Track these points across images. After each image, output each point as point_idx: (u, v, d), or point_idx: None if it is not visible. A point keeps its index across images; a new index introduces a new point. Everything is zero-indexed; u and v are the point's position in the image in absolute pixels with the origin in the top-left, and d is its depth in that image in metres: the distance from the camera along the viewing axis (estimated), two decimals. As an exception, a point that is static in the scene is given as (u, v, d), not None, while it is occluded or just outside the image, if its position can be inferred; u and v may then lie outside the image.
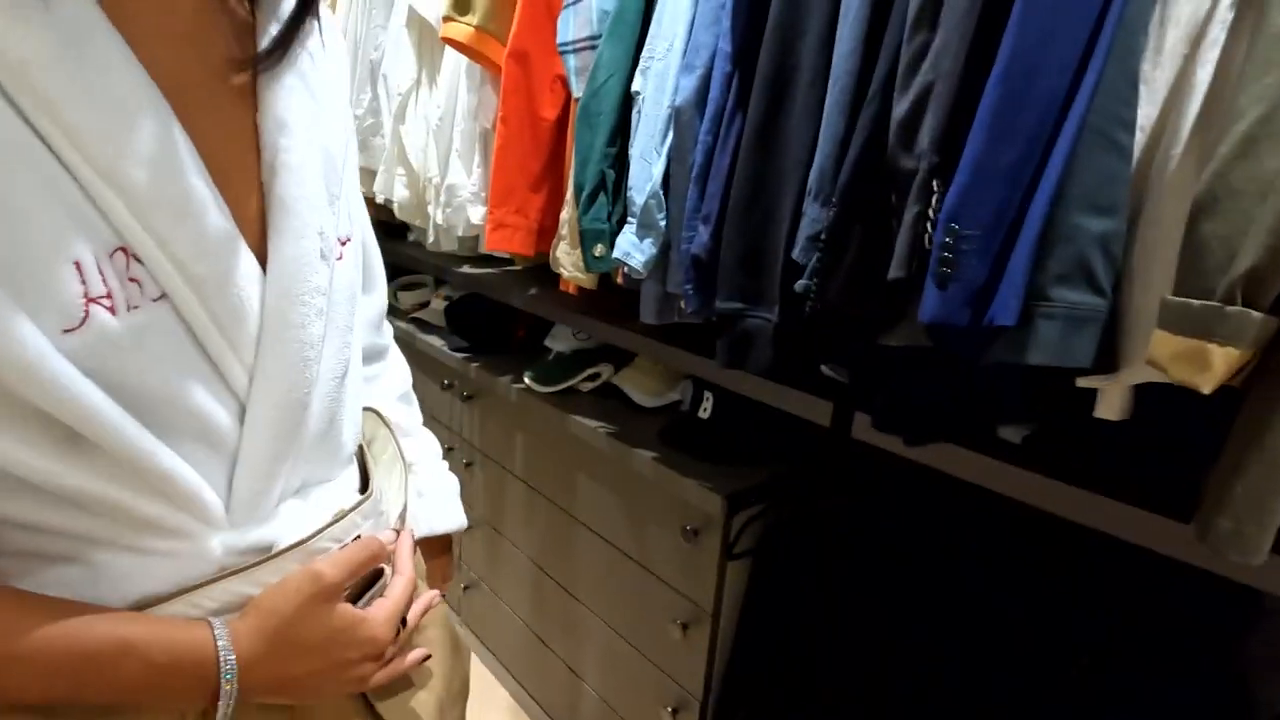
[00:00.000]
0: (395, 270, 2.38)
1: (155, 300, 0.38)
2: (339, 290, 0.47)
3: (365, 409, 0.62)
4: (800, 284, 0.78)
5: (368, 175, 1.87)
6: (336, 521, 0.48)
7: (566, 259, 1.21)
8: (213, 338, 0.40)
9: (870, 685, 0.97)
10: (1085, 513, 0.71)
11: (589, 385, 1.54)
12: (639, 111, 0.98)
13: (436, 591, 0.59)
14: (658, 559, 1.25)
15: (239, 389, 0.42)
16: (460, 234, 1.60)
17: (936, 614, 0.94)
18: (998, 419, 0.81)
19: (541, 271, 1.47)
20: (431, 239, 1.79)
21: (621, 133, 1.02)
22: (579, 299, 1.42)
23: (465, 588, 1.90)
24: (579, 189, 1.02)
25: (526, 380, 1.53)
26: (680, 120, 0.91)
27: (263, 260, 0.43)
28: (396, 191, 1.77)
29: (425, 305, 2.11)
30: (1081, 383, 0.63)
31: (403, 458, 0.61)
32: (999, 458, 0.78)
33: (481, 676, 1.81)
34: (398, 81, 1.72)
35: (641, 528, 1.28)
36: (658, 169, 0.94)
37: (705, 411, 1.29)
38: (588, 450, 1.38)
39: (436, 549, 0.72)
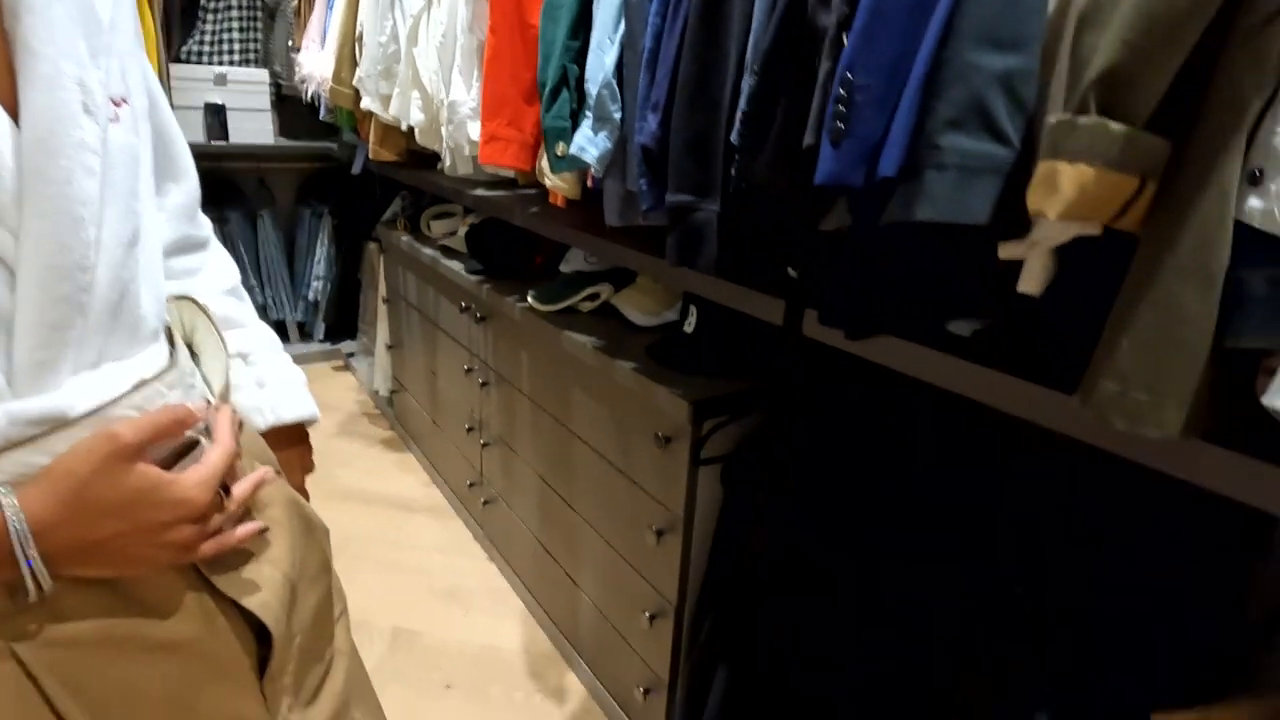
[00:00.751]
0: (427, 199, 2.43)
1: None
2: (116, 153, 0.45)
3: (183, 298, 0.61)
4: (734, 167, 0.75)
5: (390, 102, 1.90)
6: (137, 390, 0.46)
7: (548, 167, 1.20)
8: None
9: (834, 588, 0.95)
10: (1036, 409, 0.65)
11: (589, 305, 1.54)
12: (598, 0, 0.95)
13: (269, 469, 0.58)
14: (638, 468, 1.26)
15: (6, 256, 0.41)
16: (467, 154, 1.61)
17: (900, 514, 0.91)
18: (946, 312, 0.76)
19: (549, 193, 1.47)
20: (448, 163, 1.81)
21: (584, 25, 0.99)
22: (574, 214, 1.41)
23: (484, 503, 1.98)
24: (542, 86, 1.00)
25: (529, 300, 1.55)
26: (631, 3, 0.88)
27: (14, 113, 0.40)
28: (413, 115, 1.80)
29: (454, 234, 2.16)
30: (1003, 253, 0.58)
31: (224, 344, 0.60)
32: (946, 351, 0.73)
33: (500, 588, 1.90)
34: (411, 3, 1.72)
35: (625, 438, 1.29)
36: (610, 57, 0.91)
37: (689, 326, 1.27)
38: (579, 365, 1.39)
39: (289, 439, 0.71)
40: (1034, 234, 0.52)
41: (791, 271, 0.91)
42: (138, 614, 0.48)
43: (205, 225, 0.70)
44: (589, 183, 1.10)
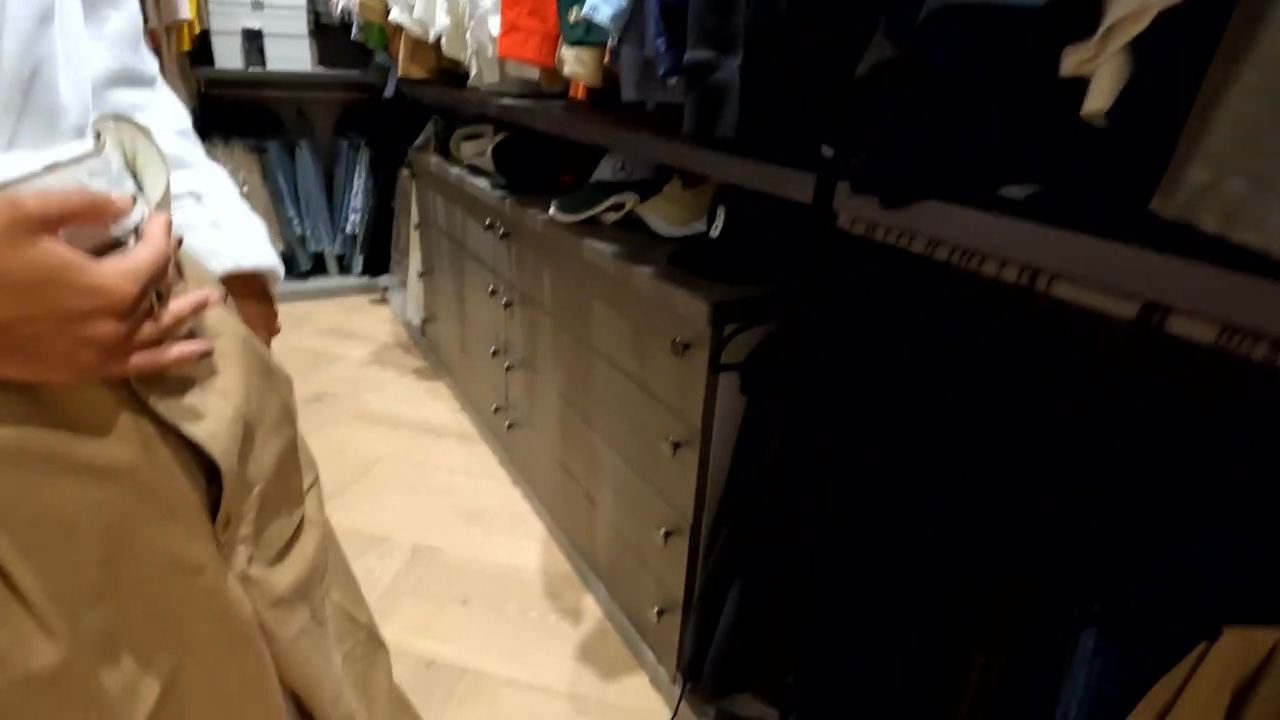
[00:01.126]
0: (455, 118, 2.37)
1: None
2: None
3: (122, 118, 0.55)
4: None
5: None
6: (50, 171, 0.41)
7: (567, 53, 1.11)
8: None
9: (856, 497, 0.88)
10: (1108, 268, 0.55)
11: (613, 216, 1.46)
12: None
13: (216, 292, 0.53)
14: (655, 379, 1.20)
15: None
16: (490, 54, 1.53)
17: (929, 419, 0.82)
18: (997, 176, 0.66)
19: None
20: (474, 71, 1.74)
21: (603, -127, 0.89)
22: (597, 113, 1.33)
23: (509, 426, 1.95)
24: (555, -56, 0.91)
25: (551, 210, 1.48)
26: None
27: None
28: (439, 20, 1.72)
29: (483, 155, 2.09)
30: (1068, 64, 0.48)
31: (165, 163, 0.54)
32: (1000, 213, 0.63)
33: (521, 511, 1.89)
34: (436, -106, 1.63)
35: (643, 349, 1.23)
36: (626, -100, 0.81)
37: (716, 229, 1.18)
38: (599, 275, 1.33)
39: (249, 291, 0.66)
40: (1111, 12, 0.42)
41: (826, 150, 0.81)
42: (62, 428, 0.43)
43: (151, 62, 0.64)
44: (606, 58, 1.01)
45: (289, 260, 3.29)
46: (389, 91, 2.56)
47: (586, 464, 1.53)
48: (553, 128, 1.43)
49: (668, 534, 1.22)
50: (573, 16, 0.91)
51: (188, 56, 2.64)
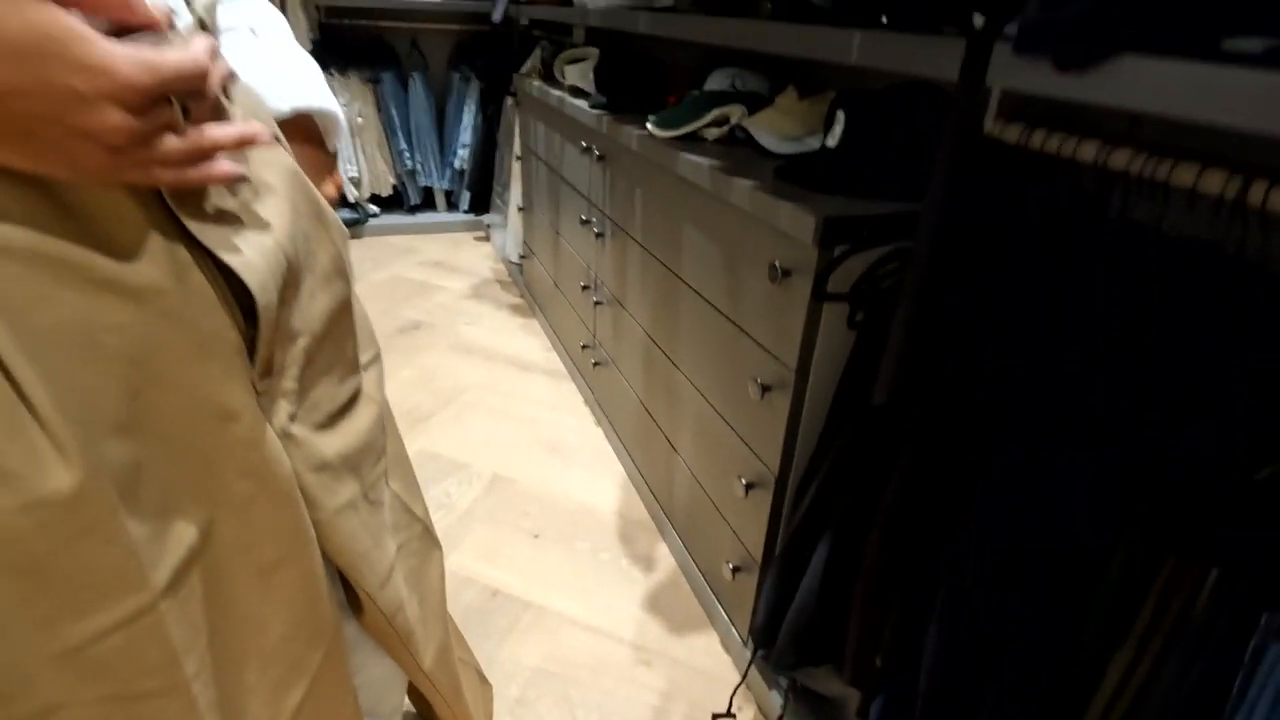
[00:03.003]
0: (561, 47, 2.27)
1: None
2: None
3: None
4: None
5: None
6: None
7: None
8: None
9: (971, 451, 0.72)
10: None
11: (716, 132, 1.31)
12: None
13: (266, 128, 0.47)
14: (748, 312, 1.06)
15: None
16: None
17: (1067, 369, 0.65)
18: (1218, 24, 0.47)
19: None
20: (578, -21, 1.61)
21: None
22: (702, 7, 1.17)
23: (595, 364, 1.88)
24: None
25: (648, 125, 1.35)
26: None
27: None
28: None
29: (586, 78, 1.98)
30: None
31: None
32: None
33: (603, 451, 1.82)
34: None
35: (736, 276, 1.09)
36: None
37: (834, 138, 1.01)
38: (693, 193, 1.19)
39: (305, 136, 0.62)
40: None
41: (978, 19, 0.64)
42: (83, 237, 0.38)
43: None
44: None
45: (399, 194, 3.36)
46: (497, 15, 2.48)
47: (668, 406, 1.43)
48: (656, 29, 1.29)
49: (749, 486, 1.10)
50: None
51: (309, -17, 2.68)
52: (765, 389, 1.02)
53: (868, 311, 0.88)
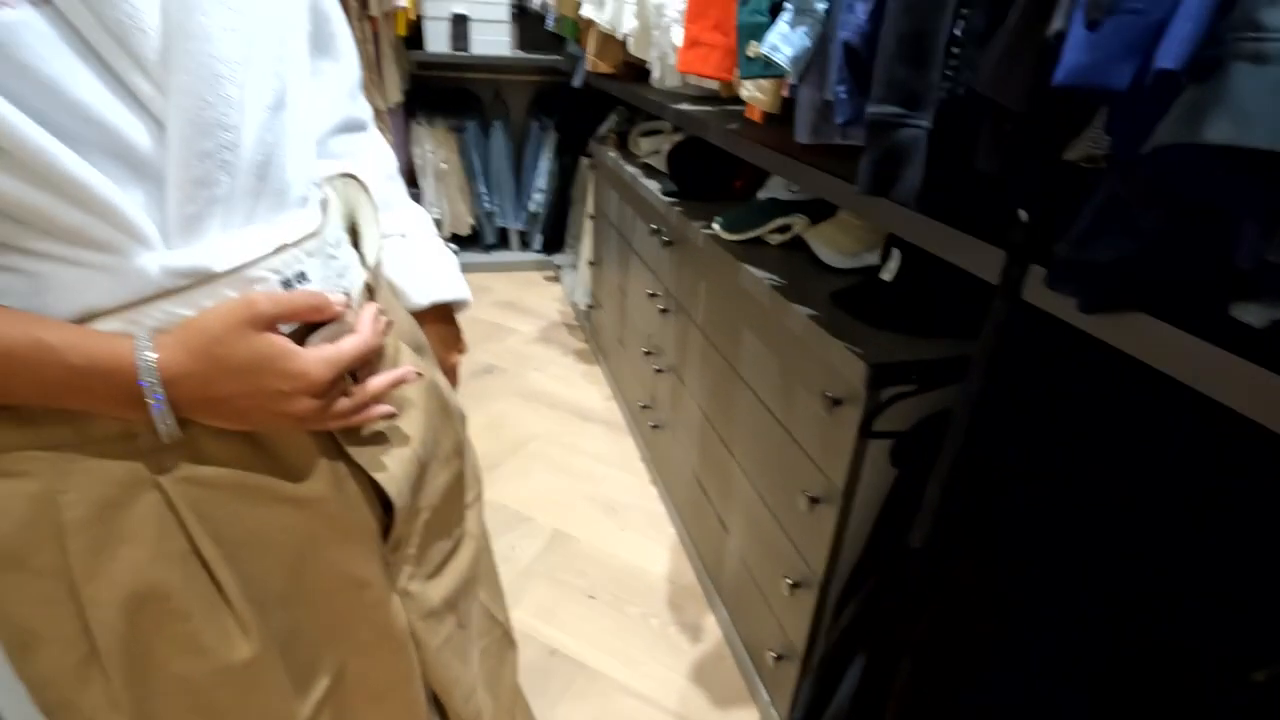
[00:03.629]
0: (640, 116, 2.38)
1: (36, 5, 0.37)
2: (259, 15, 0.46)
3: (348, 177, 0.61)
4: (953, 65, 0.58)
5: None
6: (277, 253, 0.47)
7: (745, 82, 1.06)
8: (109, 48, 0.40)
9: (1002, 599, 0.78)
10: None
11: (778, 238, 1.40)
12: None
13: (410, 370, 0.58)
14: (800, 426, 1.14)
15: (155, 110, 0.42)
16: (672, 61, 1.51)
17: (1098, 532, 0.70)
18: (1232, 289, 0.53)
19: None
20: (657, 74, 1.73)
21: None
22: (771, 132, 1.26)
23: (653, 426, 1.97)
24: (740, -26, 0.86)
25: (714, 226, 1.44)
26: None
27: None
28: (626, 22, 1.72)
29: (658, 153, 2.09)
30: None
31: (377, 223, 0.60)
32: (1229, 348, 0.51)
33: (655, 512, 1.91)
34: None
35: (791, 391, 1.17)
36: (821, -66, 0.74)
37: (889, 273, 1.08)
38: (752, 304, 1.28)
39: (440, 316, 0.74)
40: None
41: (1022, 214, 0.70)
42: (272, 470, 0.51)
43: (366, 109, 0.71)
44: (784, 91, 0.95)
45: (477, 233, 3.55)
46: (577, 81, 2.63)
47: (721, 487, 1.51)
48: (726, 143, 1.38)
49: (794, 585, 1.17)
50: (751, 51, 0.86)
51: (402, 41, 2.88)
52: (814, 501, 1.09)
53: (910, 458, 0.94)
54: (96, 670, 0.48)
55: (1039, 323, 0.67)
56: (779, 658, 1.25)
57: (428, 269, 0.73)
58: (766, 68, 0.86)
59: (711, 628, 1.56)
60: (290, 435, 0.52)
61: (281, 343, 0.47)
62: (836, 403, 1.01)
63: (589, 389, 2.52)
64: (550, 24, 2.62)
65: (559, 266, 3.44)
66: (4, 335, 0.40)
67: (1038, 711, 0.74)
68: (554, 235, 3.49)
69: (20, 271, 0.42)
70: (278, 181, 0.49)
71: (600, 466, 2.10)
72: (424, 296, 0.71)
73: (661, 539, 1.82)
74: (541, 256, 3.56)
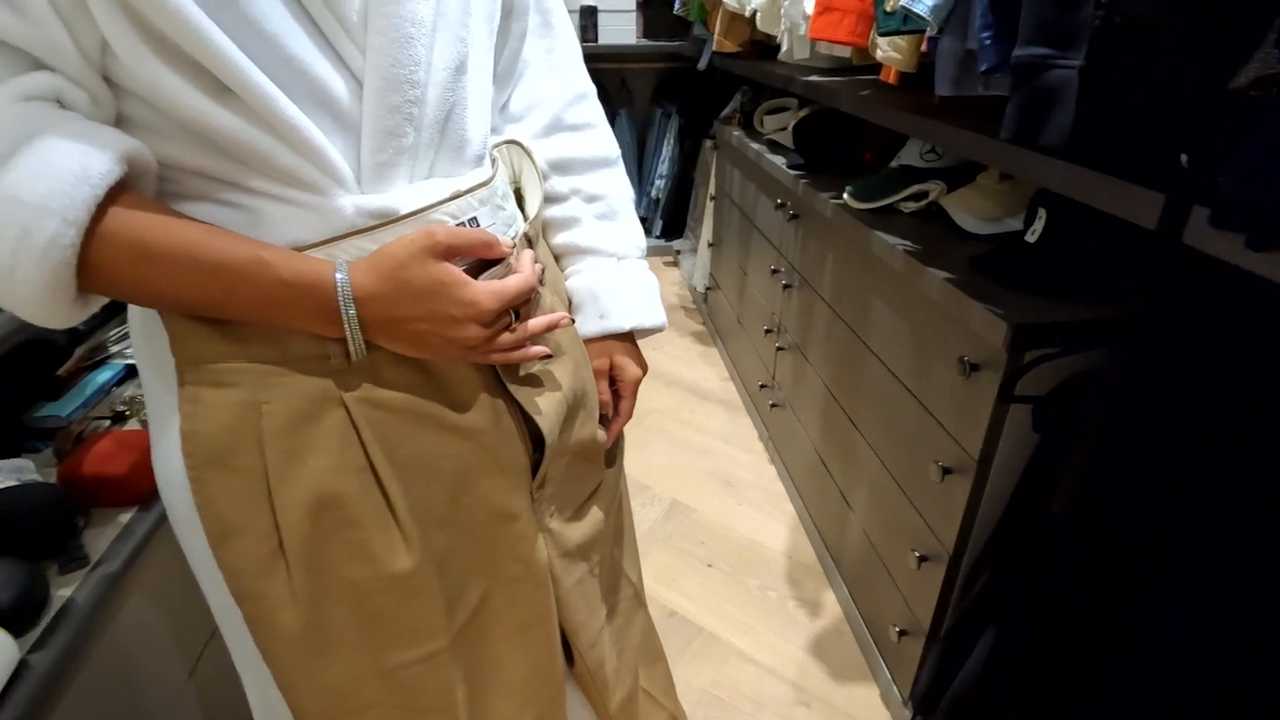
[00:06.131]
0: (766, 95, 2.37)
1: None
2: None
3: (512, 143, 0.65)
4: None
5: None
6: (453, 199, 0.52)
7: (881, 40, 1.05)
8: (318, 9, 0.45)
9: (1145, 569, 0.74)
10: None
11: (912, 206, 1.36)
12: None
13: (566, 315, 0.62)
14: (933, 395, 1.11)
15: (354, 67, 0.47)
16: (802, 32, 1.50)
17: (1249, 496, 0.65)
18: None
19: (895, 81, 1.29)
20: (785, 47, 1.72)
21: None
22: (907, 96, 1.23)
23: (772, 405, 1.97)
24: (880, -73, 0.85)
25: (845, 196, 1.42)
26: None
27: None
28: (756, -3, 1.72)
29: (784, 129, 2.08)
30: None
31: (540, 185, 0.64)
32: None
33: (774, 490, 1.91)
34: None
35: (924, 360, 1.14)
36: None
37: (1034, 234, 1.03)
38: (885, 271, 1.25)
39: (623, 336, 0.74)
40: None
41: (1183, 158, 0.66)
42: (441, 400, 0.57)
43: (585, 115, 0.72)
44: (923, 47, 0.93)
45: (600, 219, 3.66)
46: (703, 63, 2.65)
47: (845, 462, 1.49)
48: (858, 109, 1.36)
49: (922, 559, 1.14)
50: (890, 5, 0.85)
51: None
52: (946, 471, 1.06)
53: (1054, 422, 0.90)
54: (281, 565, 0.53)
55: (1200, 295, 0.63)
56: (902, 633, 1.23)
57: (631, 296, 0.73)
58: (905, 21, 0.85)
59: (831, 604, 1.55)
60: (457, 368, 0.57)
61: (456, 272, 0.51)
62: (974, 368, 0.98)
63: (706, 369, 2.55)
64: (678, 8, 2.65)
65: (678, 251, 3.48)
66: (232, 251, 0.46)
67: (1175, 692, 0.69)
68: (673, 221, 3.53)
69: (241, 207, 0.48)
70: (456, 137, 0.54)
71: (718, 443, 2.12)
72: (626, 321, 0.72)
73: (780, 516, 1.82)
74: (661, 242, 3.62)
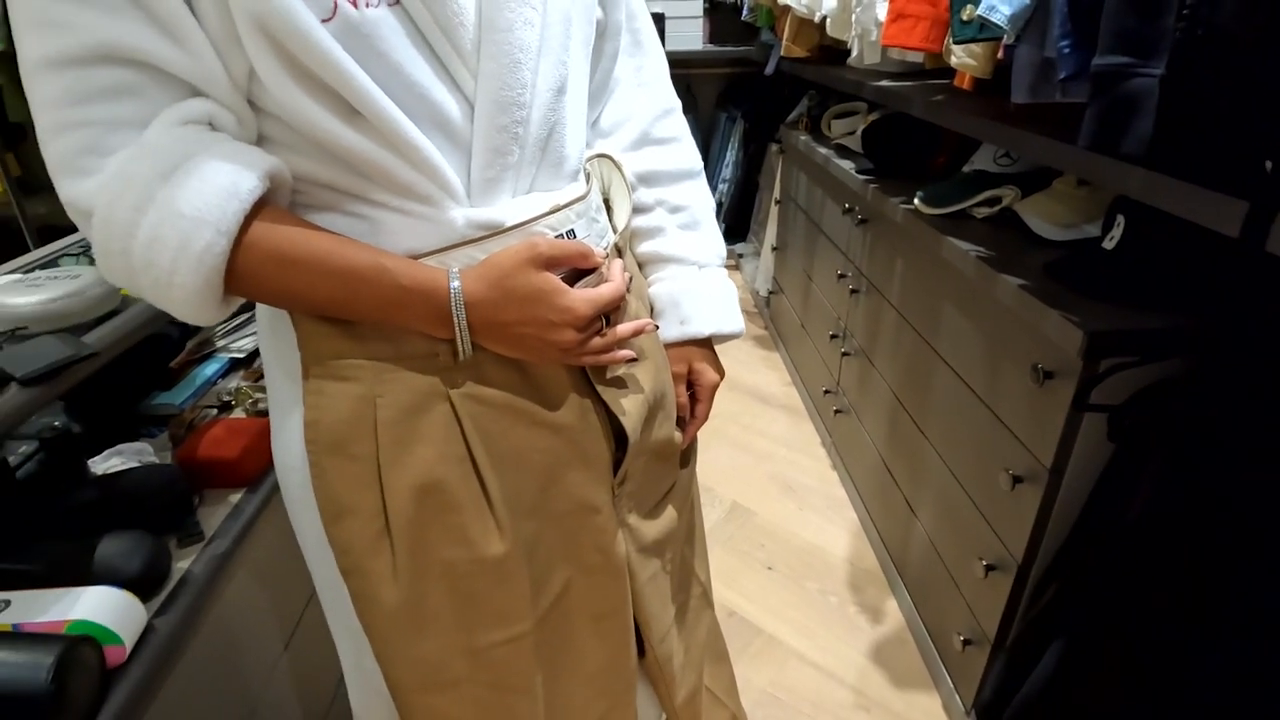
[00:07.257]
0: (833, 99, 2.36)
1: (390, 5, 0.48)
2: (553, 12, 0.54)
3: (604, 156, 0.68)
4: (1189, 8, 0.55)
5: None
6: (552, 212, 0.57)
7: (956, 47, 1.04)
8: (437, 38, 0.50)
9: (1222, 583, 0.72)
10: None
11: (985, 211, 1.34)
12: None
13: (650, 321, 0.66)
14: (1005, 402, 1.10)
15: (467, 91, 0.52)
16: (874, 38, 1.50)
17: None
18: None
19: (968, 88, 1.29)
20: (855, 52, 1.72)
21: None
22: (982, 101, 1.22)
23: (836, 411, 1.96)
24: (956, -64, 0.86)
25: (915, 201, 1.42)
26: None
27: None
28: (826, 3, 1.73)
29: (853, 134, 2.07)
30: None
31: (629, 197, 0.67)
32: None
33: (836, 496, 1.90)
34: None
35: (996, 367, 1.13)
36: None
37: (1112, 240, 1.01)
38: (956, 277, 1.24)
39: (702, 342, 0.76)
40: None
41: (1268, 165, 0.64)
42: (535, 398, 0.61)
43: (671, 130, 0.76)
44: (999, 54, 0.92)
45: (663, 223, 3.70)
46: (770, 69, 2.66)
47: (911, 470, 1.48)
48: (931, 115, 1.35)
49: (990, 567, 1.13)
50: (966, 14, 0.85)
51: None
52: (1017, 480, 1.05)
53: (1130, 431, 0.88)
54: (386, 544, 0.57)
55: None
56: (967, 642, 1.22)
57: (711, 305, 0.75)
58: (982, 30, 0.85)
59: (893, 611, 1.54)
60: (551, 369, 0.61)
61: (555, 280, 0.55)
62: (1048, 375, 0.97)
63: (768, 374, 2.55)
64: (746, 14, 2.67)
65: (740, 255, 3.48)
66: (357, 258, 0.51)
67: (1251, 709, 0.67)
68: (736, 224, 3.54)
69: (364, 218, 0.53)
70: (556, 154, 0.58)
71: (780, 448, 2.13)
72: (706, 326, 0.75)
73: (842, 522, 1.81)
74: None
